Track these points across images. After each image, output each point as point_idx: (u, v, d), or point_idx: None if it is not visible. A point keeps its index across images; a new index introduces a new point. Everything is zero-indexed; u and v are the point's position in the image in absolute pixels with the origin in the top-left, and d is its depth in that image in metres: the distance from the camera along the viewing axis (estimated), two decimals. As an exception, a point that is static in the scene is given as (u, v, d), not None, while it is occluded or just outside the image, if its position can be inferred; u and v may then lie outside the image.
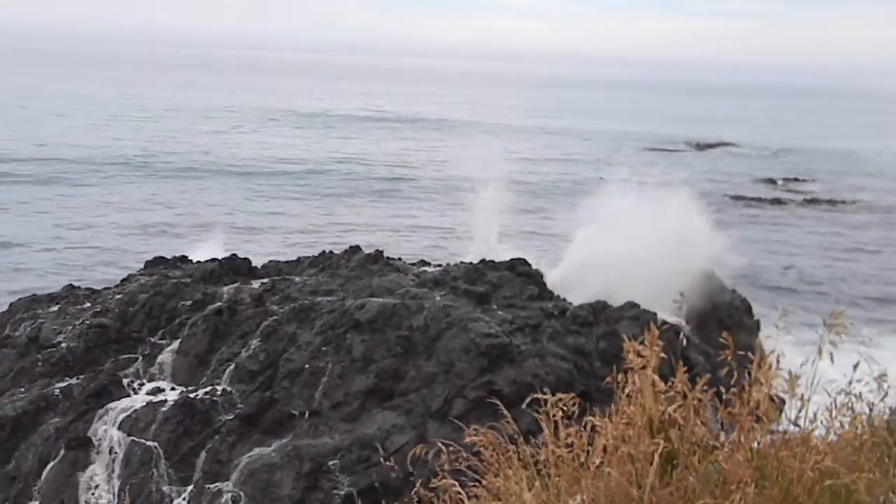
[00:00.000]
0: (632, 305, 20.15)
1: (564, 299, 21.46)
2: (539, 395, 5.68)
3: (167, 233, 40.90)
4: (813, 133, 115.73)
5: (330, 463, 15.58)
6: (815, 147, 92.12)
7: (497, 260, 23.02)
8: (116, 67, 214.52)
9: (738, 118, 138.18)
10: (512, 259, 23.44)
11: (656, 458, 4.83)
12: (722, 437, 5.34)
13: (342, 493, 14.95)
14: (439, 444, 6.18)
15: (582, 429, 5.57)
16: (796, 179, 67.98)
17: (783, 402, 5.50)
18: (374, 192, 53.16)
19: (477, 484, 5.85)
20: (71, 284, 23.16)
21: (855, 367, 5.14)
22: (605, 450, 5.27)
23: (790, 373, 5.04)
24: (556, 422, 5.59)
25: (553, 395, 5.74)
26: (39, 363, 18.38)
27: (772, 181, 66.44)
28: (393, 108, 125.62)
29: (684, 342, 18.76)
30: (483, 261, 23.17)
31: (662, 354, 5.26)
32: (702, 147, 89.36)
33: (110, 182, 52.63)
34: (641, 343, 5.27)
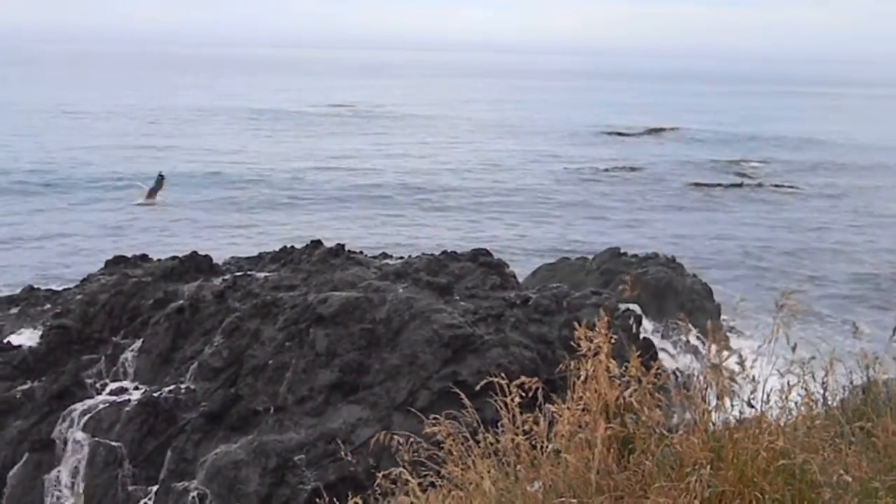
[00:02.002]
0: (594, 293, 20.27)
1: (527, 288, 21.57)
2: (497, 380, 5.72)
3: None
4: (766, 118, 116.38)
5: (296, 458, 15.56)
6: (769, 132, 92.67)
7: (459, 251, 23.08)
8: (73, 67, 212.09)
9: (692, 104, 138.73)
10: (474, 250, 23.50)
11: (610, 442, 4.88)
12: (677, 420, 5.39)
13: (308, 487, 14.93)
14: (399, 436, 6.21)
15: (540, 415, 5.62)
16: (747, 162, 68.49)
17: (739, 383, 5.56)
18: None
19: (437, 474, 5.88)
20: (31, 286, 22.99)
21: (793, 348, 5.19)
22: (562, 436, 5.32)
23: (740, 354, 5.11)
24: (514, 410, 5.63)
25: (512, 381, 5.78)
26: (0, 366, 18.23)
27: (727, 163, 66.92)
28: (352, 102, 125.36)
29: (643, 326, 18.95)
30: (445, 252, 23.23)
31: (614, 339, 5.30)
32: (656, 132, 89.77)
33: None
34: (593, 329, 5.32)
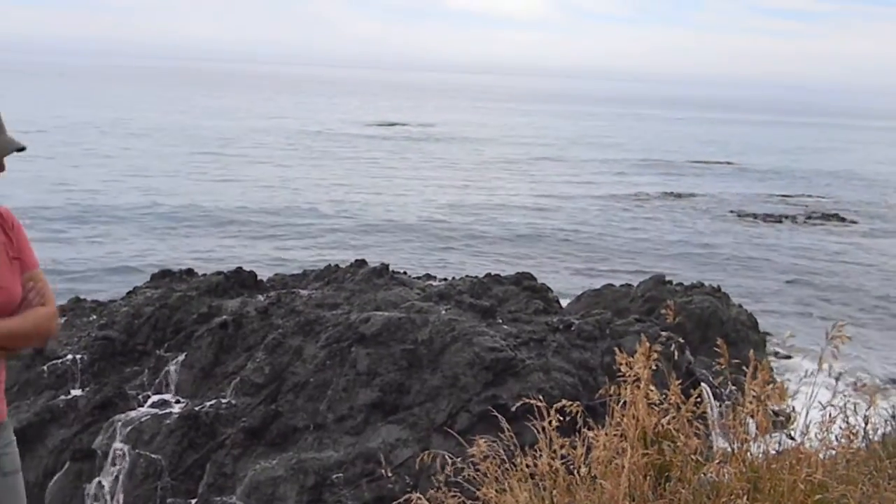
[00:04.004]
0: (637, 320, 20.20)
1: (570, 314, 21.53)
2: (534, 402, 5.72)
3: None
4: (820, 150, 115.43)
5: (334, 476, 15.59)
6: (822, 166, 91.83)
7: (503, 274, 23.09)
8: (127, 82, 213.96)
9: (744, 135, 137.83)
10: (517, 273, 23.52)
11: (647, 469, 4.86)
12: (716, 448, 5.37)
13: (346, 506, 14.96)
14: (440, 455, 6.22)
15: (578, 440, 5.61)
16: (800, 195, 67.92)
17: (781, 415, 5.53)
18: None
19: (473, 496, 5.88)
20: (77, 297, 23.22)
21: (837, 379, 5.16)
22: (599, 462, 5.31)
23: (781, 384, 5.08)
24: (552, 434, 5.63)
25: (552, 405, 5.78)
26: (45, 375, 18.43)
27: (775, 197, 66.36)
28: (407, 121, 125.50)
29: (688, 355, 18.83)
30: (488, 275, 23.27)
31: (654, 367, 5.29)
32: (706, 164, 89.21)
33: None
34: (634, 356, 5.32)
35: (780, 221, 55.22)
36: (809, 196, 67.68)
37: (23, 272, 4.23)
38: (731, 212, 57.37)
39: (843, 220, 56.84)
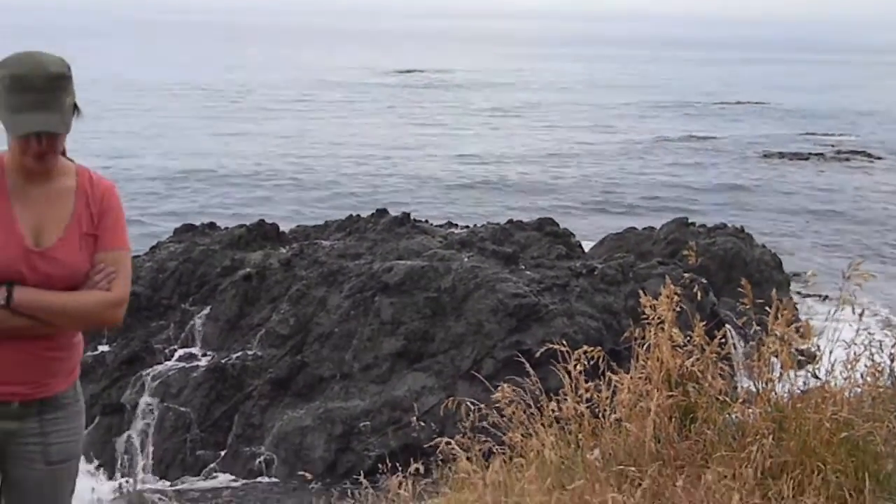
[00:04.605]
0: (660, 262, 20.16)
1: (593, 258, 21.51)
2: (558, 347, 5.73)
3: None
4: (847, 87, 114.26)
5: (361, 425, 15.71)
6: (848, 104, 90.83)
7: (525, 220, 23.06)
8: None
9: (768, 74, 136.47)
10: (539, 219, 23.49)
11: (672, 411, 4.86)
12: (741, 389, 5.37)
13: (373, 454, 15.06)
14: (465, 401, 6.24)
15: (602, 384, 5.62)
16: (826, 134, 67.25)
17: (805, 354, 5.51)
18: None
19: (499, 441, 5.91)
20: (101, 253, 23.30)
21: (860, 315, 5.13)
22: (624, 405, 5.32)
23: (806, 323, 5.06)
24: (577, 378, 5.64)
25: (576, 350, 5.79)
26: (72, 332, 18.54)
27: (801, 136, 65.77)
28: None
29: (712, 296, 18.79)
30: (510, 221, 23.24)
31: (677, 309, 5.28)
32: (729, 104, 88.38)
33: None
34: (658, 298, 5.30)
35: (806, 159, 54.73)
36: (836, 134, 66.96)
37: (98, 251, 4.10)
38: (756, 152, 56.88)
39: (869, 156, 56.29)
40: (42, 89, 3.73)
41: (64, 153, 4.09)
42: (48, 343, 4.05)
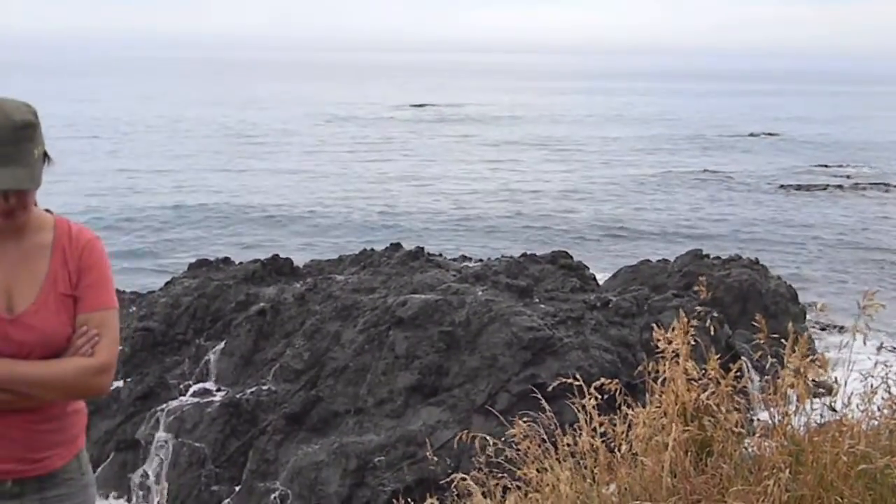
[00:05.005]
0: (675, 295, 20.11)
1: (607, 291, 21.48)
2: (574, 382, 5.71)
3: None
4: (862, 118, 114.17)
5: (376, 460, 15.66)
6: (863, 135, 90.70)
7: (538, 253, 23.07)
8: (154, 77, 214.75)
9: (782, 106, 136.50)
10: (553, 252, 23.50)
11: (687, 445, 4.84)
12: (756, 422, 5.34)
13: (388, 489, 15.01)
14: (479, 437, 6.23)
15: (618, 418, 5.60)
16: (841, 165, 67.08)
17: (822, 386, 5.49)
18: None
19: (513, 476, 5.89)
20: (116, 289, 23.36)
21: (879, 348, 5.11)
22: (639, 439, 5.30)
23: (822, 355, 5.03)
24: (592, 412, 5.63)
25: (590, 384, 5.78)
26: (87, 368, 18.56)
27: (816, 168, 65.60)
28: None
29: (727, 329, 18.73)
30: (524, 254, 23.26)
31: (692, 342, 5.26)
32: (744, 137, 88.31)
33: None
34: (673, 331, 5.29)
35: (823, 190, 54.64)
36: (850, 165, 66.84)
37: (80, 312, 3.75)
38: (770, 185, 56.81)
39: (886, 186, 56.15)
40: (7, 142, 3.41)
41: (36, 204, 3.75)
42: (35, 416, 3.73)
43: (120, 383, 18.14)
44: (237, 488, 16.16)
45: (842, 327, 24.48)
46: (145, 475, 16.54)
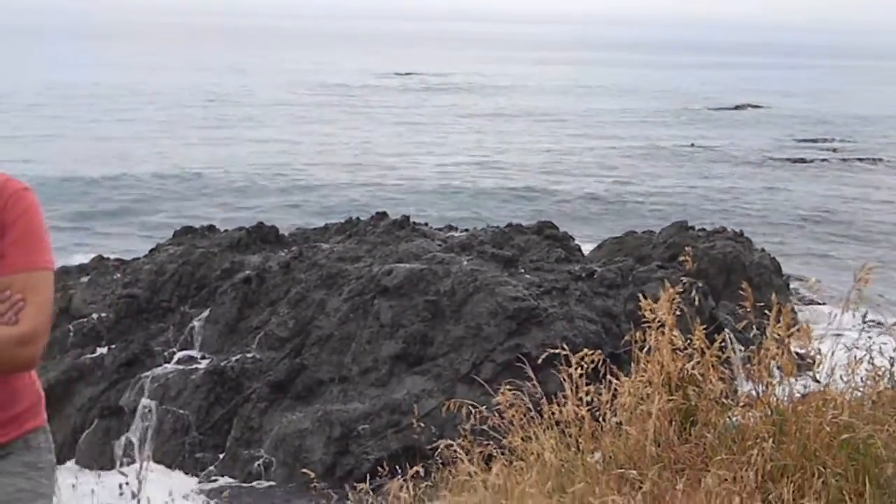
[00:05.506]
0: (659, 266, 20.16)
1: (592, 262, 21.52)
2: (560, 352, 5.73)
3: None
4: (846, 92, 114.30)
5: (360, 428, 15.71)
6: (848, 108, 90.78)
7: (524, 224, 23.08)
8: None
9: (767, 79, 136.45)
10: (539, 222, 23.51)
11: (672, 415, 4.87)
12: (741, 392, 5.37)
13: (372, 457, 15.05)
14: (465, 404, 6.24)
15: (602, 387, 5.63)
16: (826, 139, 67.17)
17: (806, 358, 5.52)
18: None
19: (499, 444, 5.91)
20: (100, 255, 23.31)
21: (864, 317, 5.14)
22: (624, 408, 5.32)
23: (806, 327, 5.06)
24: (577, 381, 5.65)
25: (576, 353, 5.80)
26: (71, 334, 18.56)
27: (800, 141, 65.65)
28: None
29: (711, 300, 18.80)
30: (510, 224, 23.26)
31: (677, 312, 5.28)
32: (732, 108, 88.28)
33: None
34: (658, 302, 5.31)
35: (806, 164, 54.72)
36: (837, 139, 66.91)
37: (2, 274, 3.32)
38: (756, 158, 56.83)
39: (872, 160, 56.27)
40: None
41: None
42: None
43: (104, 350, 18.13)
44: (221, 455, 16.19)
45: (823, 302, 24.60)
46: (129, 442, 16.55)
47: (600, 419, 5.51)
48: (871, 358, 5.37)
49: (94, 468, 16.19)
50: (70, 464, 16.39)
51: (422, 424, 13.64)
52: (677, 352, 5.28)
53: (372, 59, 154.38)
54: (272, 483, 15.57)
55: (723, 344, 5.38)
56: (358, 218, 24.31)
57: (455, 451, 5.98)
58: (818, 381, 5.19)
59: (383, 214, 23.94)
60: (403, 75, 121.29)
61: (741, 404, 5.07)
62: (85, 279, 20.75)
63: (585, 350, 5.82)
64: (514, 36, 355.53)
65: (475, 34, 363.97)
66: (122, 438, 16.57)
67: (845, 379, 5.20)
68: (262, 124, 67.82)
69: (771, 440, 4.62)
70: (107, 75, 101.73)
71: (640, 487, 4.69)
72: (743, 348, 5.35)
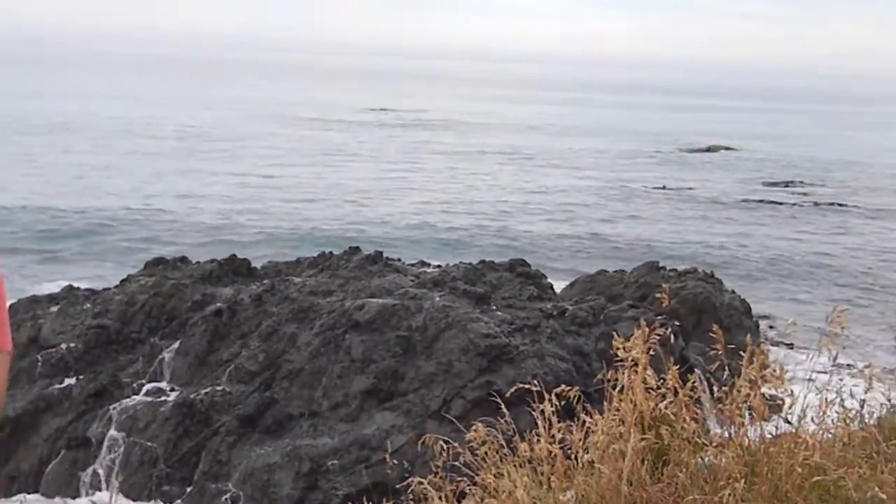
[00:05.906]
0: (631, 306, 20.22)
1: (564, 300, 21.55)
2: (532, 387, 5.74)
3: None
4: (813, 136, 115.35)
5: (329, 463, 15.62)
6: (816, 152, 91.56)
7: (496, 261, 23.11)
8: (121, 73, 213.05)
9: (741, 122, 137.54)
10: (511, 259, 23.55)
11: (644, 454, 4.87)
12: (713, 433, 5.38)
13: (341, 493, 14.98)
14: (435, 441, 6.22)
15: (575, 426, 5.63)
16: (794, 182, 67.66)
17: (777, 399, 5.54)
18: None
19: (471, 481, 5.89)
20: (70, 285, 23.17)
21: (834, 359, 5.17)
22: (597, 446, 5.32)
23: (780, 368, 5.09)
24: (550, 418, 5.64)
25: (550, 392, 5.80)
26: (39, 364, 18.41)
27: (768, 185, 66.07)
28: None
29: (681, 340, 18.85)
30: (482, 261, 23.29)
31: (652, 352, 5.30)
32: (704, 150, 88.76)
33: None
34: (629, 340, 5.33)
35: (777, 206, 55.15)
36: (806, 183, 67.42)
37: None
38: (728, 200, 57.21)
39: (842, 206, 56.74)
40: None
41: None
42: None
43: (72, 380, 17.99)
44: (189, 489, 16.06)
45: (791, 344, 24.76)
46: (96, 474, 16.40)
47: (573, 457, 5.50)
48: (842, 400, 5.40)
49: (60, 499, 16.04)
50: (35, 496, 16.24)
51: (394, 461, 13.59)
52: (650, 391, 5.29)
53: (348, 95, 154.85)
54: (240, 518, 15.46)
55: (694, 384, 5.39)
56: (331, 252, 24.29)
57: (426, 488, 5.96)
58: (790, 423, 5.21)
59: (356, 249, 23.92)
60: (378, 111, 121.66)
61: (714, 444, 5.08)
62: (55, 309, 20.62)
63: (563, 386, 5.82)
64: (489, 74, 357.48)
65: (450, 71, 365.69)
66: (89, 470, 16.43)
67: (816, 421, 5.22)
68: (235, 157, 67.77)
69: (743, 481, 4.63)
70: (79, 106, 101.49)
71: (612, 526, 4.69)
72: (714, 389, 5.36)
